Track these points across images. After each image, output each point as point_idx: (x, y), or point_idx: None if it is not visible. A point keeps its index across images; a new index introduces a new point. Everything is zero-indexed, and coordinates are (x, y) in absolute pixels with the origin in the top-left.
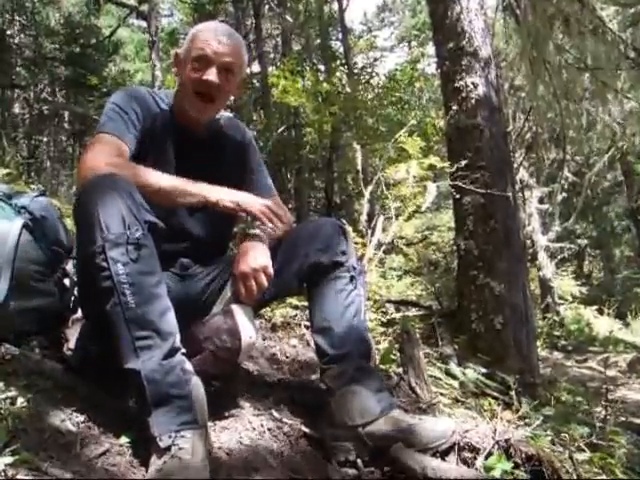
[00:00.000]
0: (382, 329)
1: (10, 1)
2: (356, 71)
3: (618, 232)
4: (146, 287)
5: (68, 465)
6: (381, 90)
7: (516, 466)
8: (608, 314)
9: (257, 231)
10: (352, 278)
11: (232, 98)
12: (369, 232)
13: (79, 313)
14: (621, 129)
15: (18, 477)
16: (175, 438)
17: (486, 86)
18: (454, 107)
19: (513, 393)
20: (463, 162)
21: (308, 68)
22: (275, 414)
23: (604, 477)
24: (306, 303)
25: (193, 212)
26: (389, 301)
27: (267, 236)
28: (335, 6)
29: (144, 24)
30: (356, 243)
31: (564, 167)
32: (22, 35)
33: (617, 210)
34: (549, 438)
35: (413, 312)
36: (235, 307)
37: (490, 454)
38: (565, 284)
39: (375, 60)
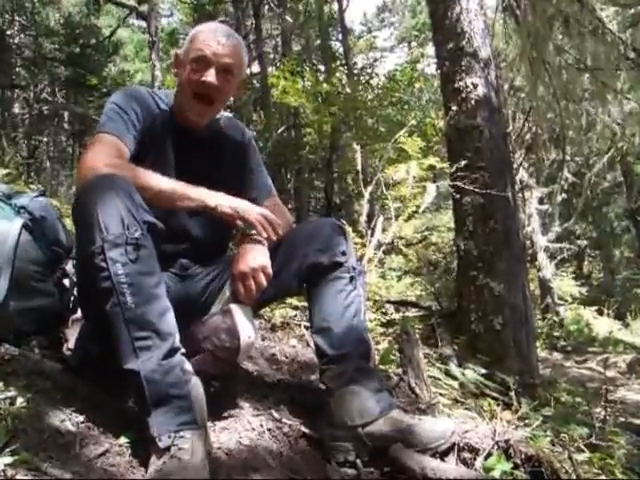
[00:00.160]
0: (382, 329)
1: (10, 1)
2: (356, 71)
3: (618, 233)
4: (145, 287)
5: (67, 465)
6: (381, 90)
7: (515, 467)
8: (608, 315)
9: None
10: (352, 278)
11: (232, 98)
12: (369, 232)
13: (79, 313)
14: (621, 130)
15: (17, 477)
16: (174, 438)
17: (486, 87)
18: (454, 107)
19: (513, 394)
20: (463, 162)
21: (308, 68)
22: (275, 414)
23: (603, 477)
24: (306, 303)
25: (193, 213)
26: (389, 301)
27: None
28: (335, 6)
29: (144, 24)
30: (356, 243)
31: (564, 168)
32: (22, 35)
33: (617, 211)
34: (549, 439)
35: (413, 312)
36: (234, 307)
37: (490, 455)
38: (565, 285)
39: (375, 60)
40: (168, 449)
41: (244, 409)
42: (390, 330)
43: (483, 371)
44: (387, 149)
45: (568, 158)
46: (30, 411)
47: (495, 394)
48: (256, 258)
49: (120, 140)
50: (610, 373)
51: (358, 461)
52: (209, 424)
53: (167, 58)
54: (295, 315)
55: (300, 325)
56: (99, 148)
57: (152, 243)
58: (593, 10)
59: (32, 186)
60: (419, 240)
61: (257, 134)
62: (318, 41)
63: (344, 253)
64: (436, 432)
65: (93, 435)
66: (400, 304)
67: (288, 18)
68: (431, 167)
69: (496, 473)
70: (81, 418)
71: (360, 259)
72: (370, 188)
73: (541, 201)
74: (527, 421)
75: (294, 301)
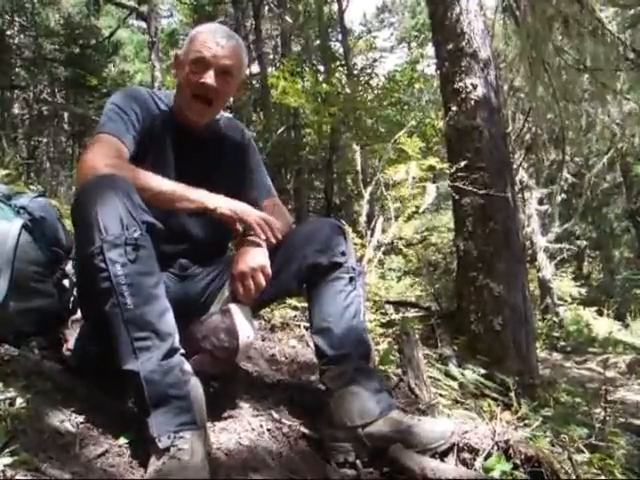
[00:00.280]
0: (381, 330)
1: (10, 1)
2: (356, 72)
3: (617, 233)
4: (145, 288)
5: (67, 466)
6: (380, 91)
7: (515, 467)
8: (607, 315)
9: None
10: (351, 279)
11: (232, 99)
12: (368, 233)
13: (78, 314)
14: (620, 130)
15: (17, 478)
16: (174, 439)
17: (485, 87)
18: (453, 108)
19: (512, 394)
20: (462, 163)
21: (308, 69)
22: (274, 415)
23: (603, 478)
24: (305, 304)
25: (193, 213)
26: (388, 302)
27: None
28: (335, 7)
29: (144, 25)
30: (355, 244)
31: (563, 168)
32: (22, 36)
33: (616, 211)
34: (548, 439)
35: (412, 313)
36: (233, 306)
37: (489, 455)
38: (564, 285)
39: (375, 61)
40: (168, 449)
41: (244, 409)
42: (390, 331)
43: (483, 371)
44: (387, 150)
45: (568, 159)
46: (30, 412)
47: (495, 394)
48: (255, 258)
49: (120, 140)
50: (610, 373)
51: (358, 462)
52: (209, 424)
53: (167, 59)
54: (295, 315)
55: (300, 325)
56: (99, 148)
57: (151, 243)
58: (593, 11)
59: (32, 187)
60: (419, 240)
61: (257, 134)
62: (318, 41)
63: (344, 253)
64: (436, 432)
65: (93, 435)
66: (400, 304)
67: (288, 19)
68: (431, 168)
69: (496, 473)
70: (81, 419)
71: (360, 259)
72: (370, 188)
73: (541, 202)
74: (527, 421)
75: (294, 301)
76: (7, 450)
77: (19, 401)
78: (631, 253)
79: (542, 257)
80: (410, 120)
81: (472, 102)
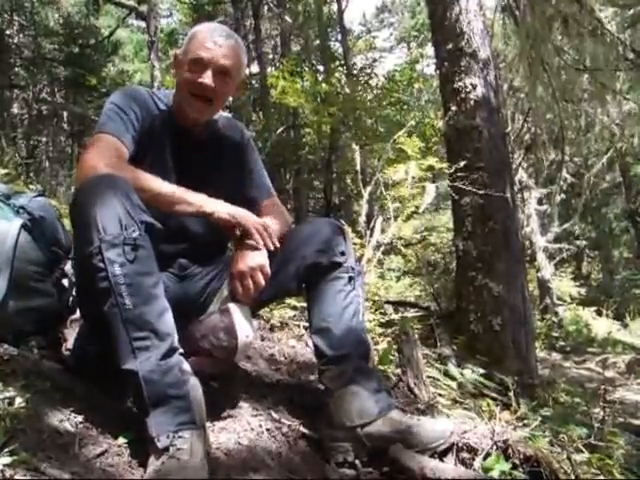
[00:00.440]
0: (381, 330)
1: (9, 1)
2: (355, 72)
3: (617, 233)
4: (143, 288)
5: (66, 465)
6: (380, 91)
7: (514, 467)
8: (607, 315)
9: None
10: (351, 279)
11: (231, 99)
12: (368, 233)
13: (77, 313)
14: (620, 130)
15: (16, 477)
16: (173, 439)
17: (485, 87)
18: (453, 108)
19: (511, 394)
20: (462, 163)
21: (307, 69)
22: (273, 415)
23: (602, 478)
24: (305, 304)
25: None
26: (388, 302)
27: None
28: (334, 7)
29: (143, 24)
30: (355, 244)
31: (563, 168)
32: (21, 35)
33: (616, 211)
34: (547, 439)
35: (412, 313)
36: (232, 306)
37: (488, 455)
38: (564, 285)
39: (374, 61)
40: (167, 449)
41: (243, 409)
42: (389, 330)
43: (482, 371)
44: (386, 149)
45: (567, 158)
46: (29, 411)
47: (494, 394)
48: (255, 258)
49: (119, 140)
50: (609, 373)
51: (357, 461)
52: (208, 424)
53: (166, 58)
54: (294, 315)
55: (299, 325)
56: (99, 148)
57: (150, 243)
58: (592, 11)
59: (31, 186)
60: (418, 240)
61: (256, 134)
62: (317, 41)
63: (343, 253)
64: (435, 432)
65: (92, 435)
66: (399, 304)
67: (287, 18)
68: (430, 167)
69: (495, 473)
70: (80, 418)
71: (359, 259)
72: (369, 188)
73: (540, 201)
74: (526, 421)
75: (293, 301)
76: (6, 450)
77: (18, 401)
78: (630, 253)
79: (541, 257)
80: (409, 120)
81: (471, 102)
